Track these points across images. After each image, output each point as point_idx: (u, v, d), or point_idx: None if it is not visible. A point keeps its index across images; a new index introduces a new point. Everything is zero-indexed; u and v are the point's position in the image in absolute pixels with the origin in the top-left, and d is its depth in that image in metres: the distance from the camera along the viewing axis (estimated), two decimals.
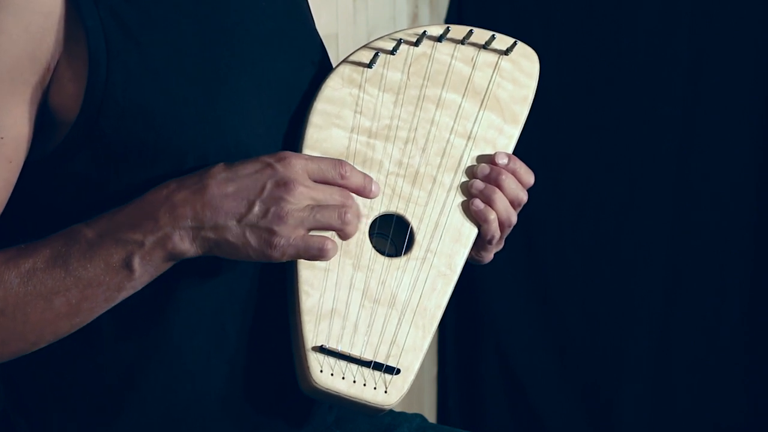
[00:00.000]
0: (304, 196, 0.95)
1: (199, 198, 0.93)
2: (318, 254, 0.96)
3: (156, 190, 0.94)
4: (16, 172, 0.96)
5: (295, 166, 0.96)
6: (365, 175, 1.02)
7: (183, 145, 0.97)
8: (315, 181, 0.97)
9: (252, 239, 0.94)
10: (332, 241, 0.96)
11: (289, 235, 0.94)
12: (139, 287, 0.95)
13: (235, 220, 0.93)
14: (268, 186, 0.94)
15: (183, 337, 1.01)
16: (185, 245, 0.93)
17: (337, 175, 0.99)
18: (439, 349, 2.48)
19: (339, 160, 1.00)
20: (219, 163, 0.96)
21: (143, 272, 0.94)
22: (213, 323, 1.03)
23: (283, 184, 0.94)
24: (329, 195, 0.97)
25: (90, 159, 0.96)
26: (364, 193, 1.02)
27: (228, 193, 0.94)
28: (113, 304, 0.95)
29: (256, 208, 0.94)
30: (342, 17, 2.00)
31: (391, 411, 1.09)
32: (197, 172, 0.95)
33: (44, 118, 0.97)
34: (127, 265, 0.93)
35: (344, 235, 0.99)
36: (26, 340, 0.94)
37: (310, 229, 0.96)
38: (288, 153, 0.97)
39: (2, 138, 0.93)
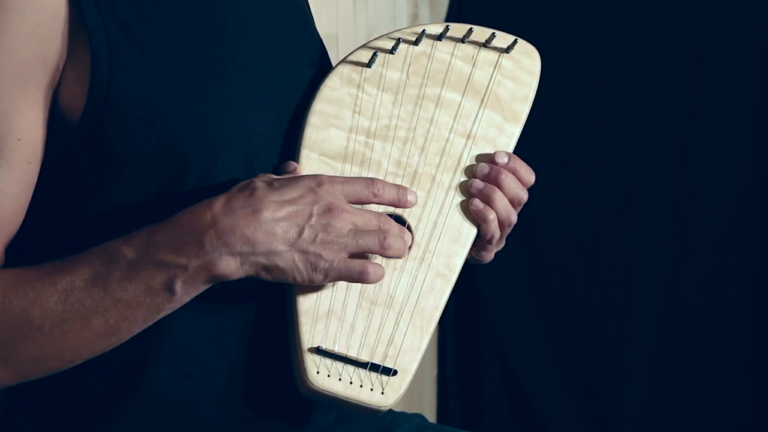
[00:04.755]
0: (346, 221, 0.96)
1: (251, 223, 0.93)
2: (359, 277, 0.97)
3: (198, 211, 0.93)
4: (35, 174, 0.96)
5: (335, 191, 0.97)
6: (399, 187, 1.02)
7: (184, 145, 0.97)
8: (351, 203, 0.98)
9: (300, 264, 0.95)
10: (372, 264, 0.97)
11: (333, 259, 0.95)
12: (178, 307, 0.95)
13: (287, 245, 0.94)
14: (315, 211, 0.95)
15: (183, 338, 1.01)
16: (231, 269, 0.93)
17: (370, 194, 0.99)
18: (439, 350, 2.48)
19: (371, 178, 1.00)
20: (257, 182, 0.95)
21: (184, 294, 0.93)
22: (213, 325, 1.02)
23: (328, 211, 0.95)
24: (368, 220, 0.98)
25: (94, 159, 0.96)
26: (400, 204, 1.03)
27: (279, 218, 0.94)
28: (151, 323, 0.95)
29: (305, 234, 0.94)
30: (342, 17, 2.00)
31: (391, 411, 1.09)
32: (239, 192, 0.94)
33: (54, 119, 0.97)
34: (169, 288, 0.92)
35: (391, 256, 1.00)
36: (63, 358, 0.94)
37: (351, 253, 0.97)
38: (325, 177, 0.98)
39: (20, 140, 0.93)
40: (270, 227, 0.93)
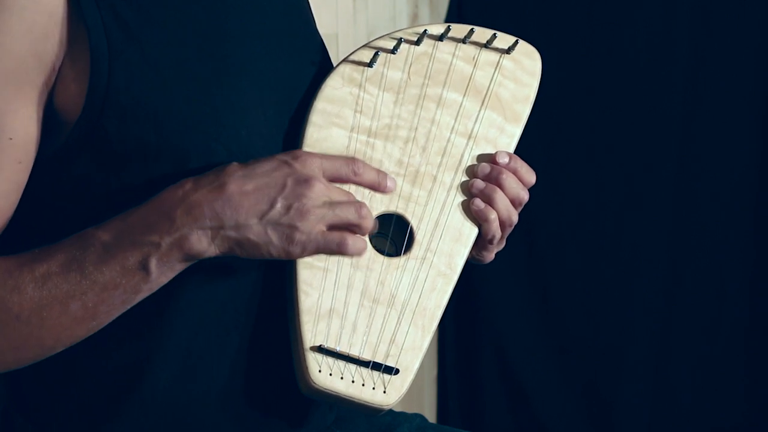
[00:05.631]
0: (322, 193, 0.95)
1: (218, 196, 0.92)
2: (337, 249, 0.96)
3: (170, 190, 0.93)
4: (26, 174, 0.96)
5: (312, 164, 0.96)
6: (379, 170, 1.02)
7: (184, 144, 0.97)
8: (329, 180, 0.98)
9: (274, 237, 0.94)
10: (351, 236, 0.96)
11: (310, 230, 0.94)
12: (156, 289, 0.95)
13: (256, 217, 0.93)
14: (289, 183, 0.94)
15: (185, 337, 1.01)
16: (203, 245, 0.93)
17: (350, 173, 0.99)
18: (439, 350, 2.48)
19: (351, 157, 1.00)
20: (232, 162, 0.95)
21: (160, 274, 0.93)
22: (215, 324, 1.02)
23: (303, 182, 0.95)
24: (341, 195, 0.98)
25: (92, 159, 0.96)
26: (379, 188, 1.02)
27: (247, 191, 0.93)
28: (130, 307, 0.95)
29: (278, 205, 0.94)
30: (342, 17, 2.00)
31: (391, 411, 1.09)
32: (212, 171, 0.95)
33: (48, 118, 0.96)
34: (144, 267, 0.92)
35: (361, 231, 0.99)
36: (43, 345, 0.94)
37: (328, 225, 0.96)
38: (302, 152, 0.97)
39: (11, 139, 0.93)
40: (237, 200, 0.93)
